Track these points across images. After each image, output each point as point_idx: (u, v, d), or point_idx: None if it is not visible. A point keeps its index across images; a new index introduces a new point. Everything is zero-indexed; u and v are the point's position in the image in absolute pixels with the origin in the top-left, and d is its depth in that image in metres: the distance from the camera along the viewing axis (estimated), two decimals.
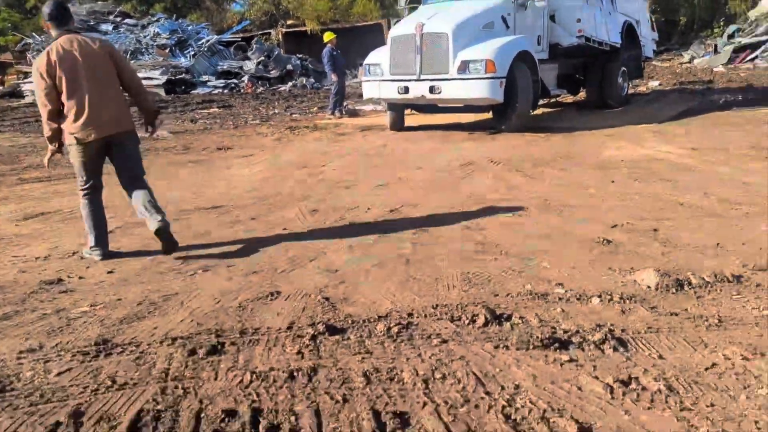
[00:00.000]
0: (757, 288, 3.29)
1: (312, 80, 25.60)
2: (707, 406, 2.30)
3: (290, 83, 24.39)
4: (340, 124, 11.82)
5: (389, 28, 31.81)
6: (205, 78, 23.13)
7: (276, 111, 15.24)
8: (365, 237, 4.63)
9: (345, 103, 14.00)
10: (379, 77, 9.93)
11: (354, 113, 13.90)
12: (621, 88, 12.46)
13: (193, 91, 21.48)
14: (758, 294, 3.22)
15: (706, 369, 2.55)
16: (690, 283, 3.39)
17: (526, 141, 8.77)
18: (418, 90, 9.47)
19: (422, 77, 9.39)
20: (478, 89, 9.02)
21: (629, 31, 12.77)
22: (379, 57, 10.04)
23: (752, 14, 23.85)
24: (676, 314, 3.06)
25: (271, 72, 24.99)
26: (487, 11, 9.54)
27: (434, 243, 4.42)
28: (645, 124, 9.72)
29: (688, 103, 12.10)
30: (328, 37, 13.55)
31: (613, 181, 6.00)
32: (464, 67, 9.04)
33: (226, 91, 21.86)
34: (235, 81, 23.14)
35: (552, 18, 10.46)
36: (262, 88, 22.53)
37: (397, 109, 10.47)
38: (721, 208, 4.88)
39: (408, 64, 9.52)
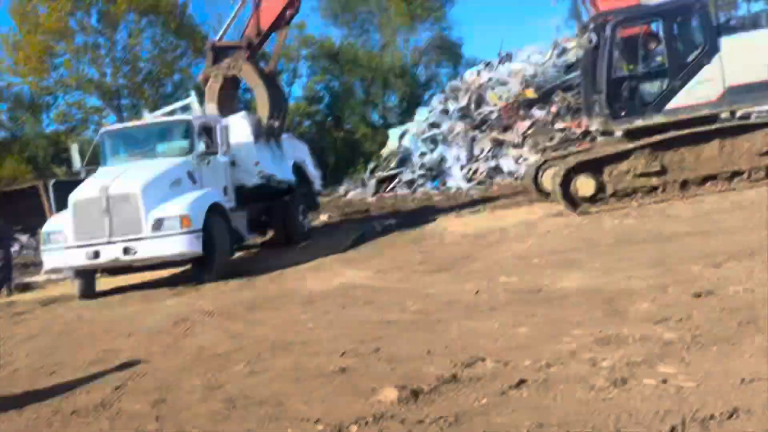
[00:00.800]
0: (471, 381, 4.06)
1: None
2: None
3: None
4: (13, 303, 10.38)
5: (48, 191, 29.62)
6: None
7: None
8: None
9: (13, 278, 12.38)
10: (62, 245, 9.24)
11: (26, 287, 12.35)
12: (302, 225, 13.69)
13: None
14: (476, 387, 3.97)
15: None
16: (422, 390, 3.99)
17: (231, 288, 9.01)
18: (111, 253, 9.09)
19: (113, 239, 9.07)
20: (176, 245, 9.07)
21: (299, 171, 14.32)
22: (60, 223, 9.39)
23: (384, 152, 28.76)
24: (422, 421, 3.58)
25: None
26: (173, 168, 9.84)
27: (182, 408, 4.30)
28: (331, 255, 10.83)
29: (356, 232, 13.88)
30: None
31: (327, 312, 6.61)
32: (159, 224, 9.05)
33: None
34: None
35: (232, 164, 11.26)
36: None
37: (87, 275, 9.78)
38: (419, 319, 5.81)
39: (96, 227, 9.13)
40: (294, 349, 5.44)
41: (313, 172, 16.01)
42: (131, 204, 9.10)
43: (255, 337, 6.03)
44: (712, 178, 10.57)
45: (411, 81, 34.73)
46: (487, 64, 30.04)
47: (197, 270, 9.88)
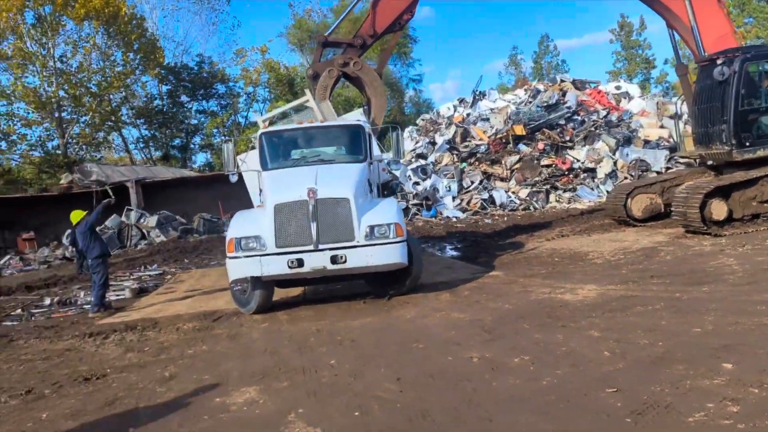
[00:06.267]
0: None
1: None
2: None
3: None
4: (137, 323, 8.78)
5: None
6: None
7: None
8: None
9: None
10: (259, 252, 8.11)
11: (109, 306, 10.69)
12: None
13: None
14: None
15: None
16: None
17: (448, 300, 8.40)
18: (317, 261, 8.12)
19: (321, 247, 8.14)
20: (388, 254, 8.28)
21: None
22: (255, 228, 8.25)
23: None
24: None
25: None
26: (363, 174, 9.07)
27: None
28: (478, 275, 10.41)
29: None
30: (78, 216, 10.38)
31: (671, 317, 6.30)
32: (371, 232, 8.26)
33: None
34: None
35: None
36: None
37: (268, 287, 8.65)
38: None
39: (301, 233, 8.14)
40: (746, 350, 5.15)
41: None
42: (343, 209, 8.20)
43: (657, 343, 5.63)
44: None
45: None
46: (461, 101, 30.95)
47: (382, 284, 9.09)
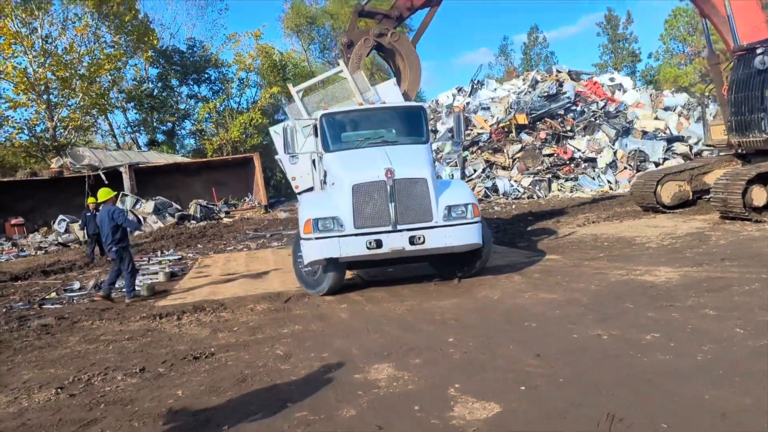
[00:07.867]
0: None
1: None
2: None
3: None
4: (203, 305, 8.56)
5: None
6: None
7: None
8: None
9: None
10: (337, 233, 7.93)
11: (152, 289, 10.41)
12: None
13: None
14: None
15: None
16: None
17: (519, 282, 8.35)
18: (396, 242, 7.99)
19: (399, 228, 8.00)
20: (467, 235, 8.22)
21: None
22: (331, 209, 8.05)
23: None
24: None
25: None
26: (428, 153, 8.99)
27: None
28: (537, 259, 10.44)
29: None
30: (107, 194, 10.03)
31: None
32: (449, 212, 8.17)
33: None
34: None
35: None
36: None
37: (342, 268, 8.47)
38: None
39: (380, 214, 7.99)
40: None
41: None
42: (421, 190, 8.07)
43: None
44: None
45: None
46: (459, 89, 30.97)
47: (449, 267, 9.01)
